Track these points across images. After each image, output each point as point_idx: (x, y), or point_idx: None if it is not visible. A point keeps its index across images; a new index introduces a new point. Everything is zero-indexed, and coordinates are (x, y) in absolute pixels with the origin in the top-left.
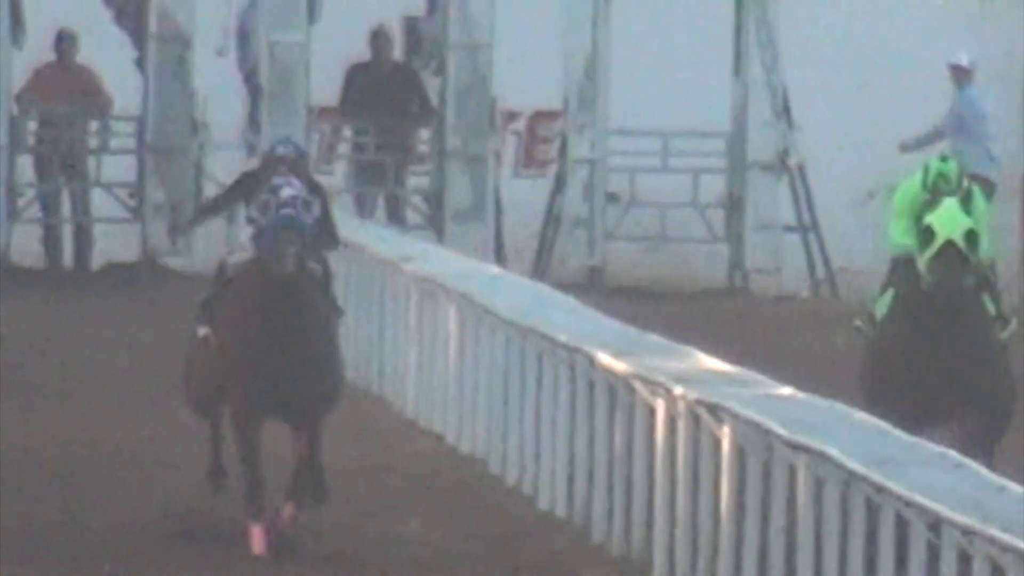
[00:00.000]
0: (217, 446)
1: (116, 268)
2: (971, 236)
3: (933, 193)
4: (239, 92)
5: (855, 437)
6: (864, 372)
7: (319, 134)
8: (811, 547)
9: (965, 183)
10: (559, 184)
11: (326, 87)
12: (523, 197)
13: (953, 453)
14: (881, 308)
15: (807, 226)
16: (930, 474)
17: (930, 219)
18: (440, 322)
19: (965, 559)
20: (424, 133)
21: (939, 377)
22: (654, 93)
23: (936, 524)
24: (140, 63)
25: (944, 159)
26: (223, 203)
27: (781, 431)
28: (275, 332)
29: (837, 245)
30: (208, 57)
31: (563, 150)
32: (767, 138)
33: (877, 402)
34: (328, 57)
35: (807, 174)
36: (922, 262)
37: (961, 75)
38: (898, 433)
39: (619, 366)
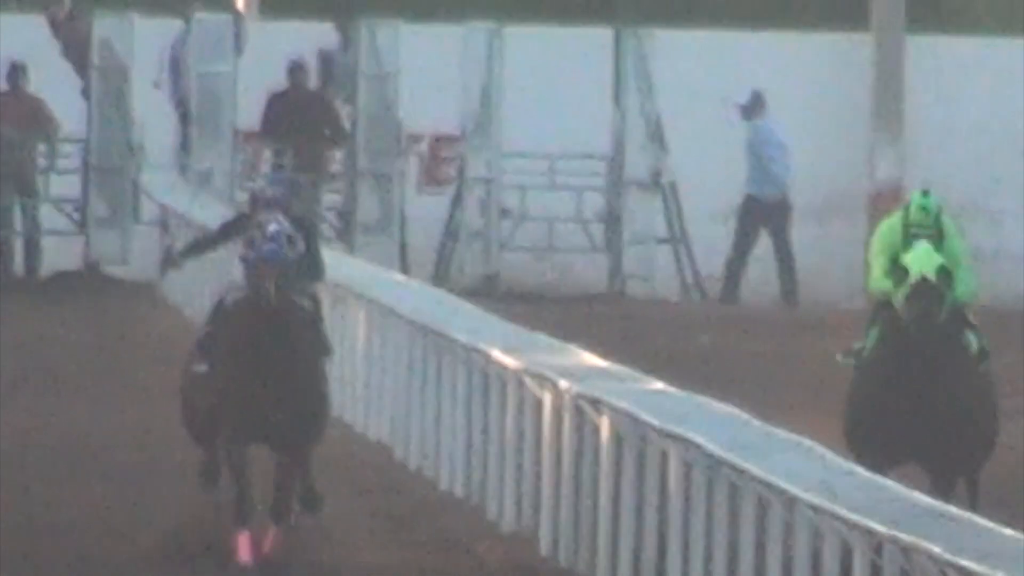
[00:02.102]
0: (214, 469)
1: (62, 276)
2: (944, 273)
3: (909, 229)
4: (172, 118)
5: (719, 426)
6: (847, 408)
7: (242, 155)
8: (681, 524)
9: (943, 220)
10: (458, 200)
11: (249, 113)
12: (425, 212)
13: (807, 441)
14: (867, 346)
15: (677, 238)
16: (786, 459)
17: (904, 259)
18: (350, 323)
19: (817, 536)
20: (337, 154)
21: (919, 417)
22: (542, 120)
23: (791, 504)
24: (84, 92)
25: (925, 193)
26: (214, 240)
27: (654, 421)
28: (260, 364)
29: (704, 255)
30: (145, 87)
31: (461, 170)
32: (642, 160)
33: (858, 437)
34: (251, 86)
35: (678, 192)
36: (897, 299)
37: (755, 105)
38: (756, 423)
39: (510, 363)
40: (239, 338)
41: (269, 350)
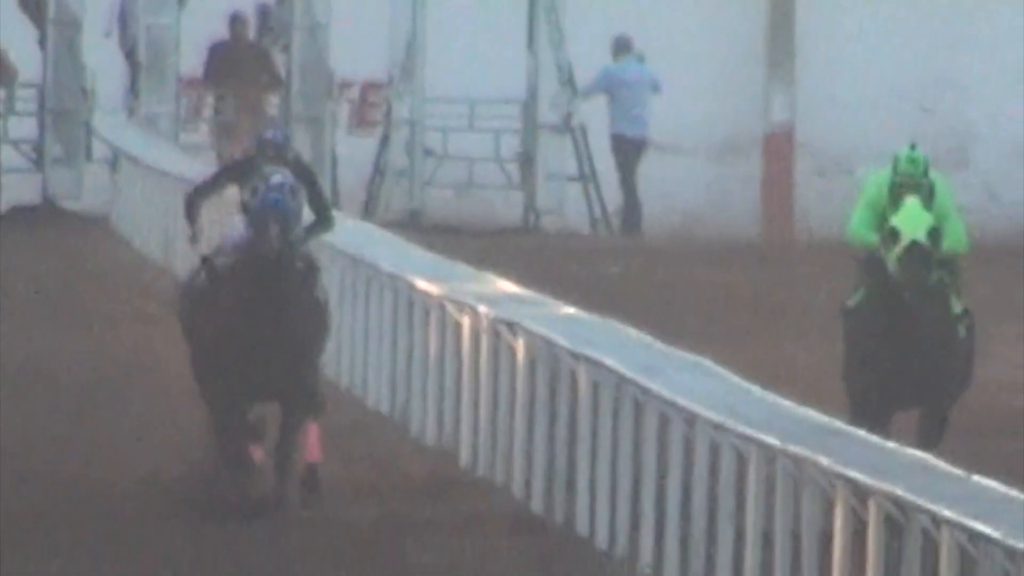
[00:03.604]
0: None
1: (21, 211)
2: (934, 233)
3: (900, 185)
4: (121, 66)
5: (625, 348)
6: (845, 366)
7: (186, 100)
8: (589, 439)
9: (932, 173)
10: (385, 142)
11: (193, 61)
12: (355, 153)
13: (708, 362)
14: (854, 303)
15: (587, 176)
16: (688, 379)
17: (894, 221)
18: None
19: (715, 450)
20: (273, 99)
21: (905, 369)
22: (463, 67)
23: (691, 421)
24: (41, 42)
25: (913, 146)
26: (215, 186)
27: (565, 343)
28: (259, 325)
29: (611, 192)
30: (96, 37)
31: (388, 114)
32: (555, 104)
33: (857, 391)
34: (194, 37)
35: (587, 133)
36: (890, 262)
37: (618, 48)
38: (660, 345)
39: (433, 290)
40: (237, 300)
41: (267, 310)
